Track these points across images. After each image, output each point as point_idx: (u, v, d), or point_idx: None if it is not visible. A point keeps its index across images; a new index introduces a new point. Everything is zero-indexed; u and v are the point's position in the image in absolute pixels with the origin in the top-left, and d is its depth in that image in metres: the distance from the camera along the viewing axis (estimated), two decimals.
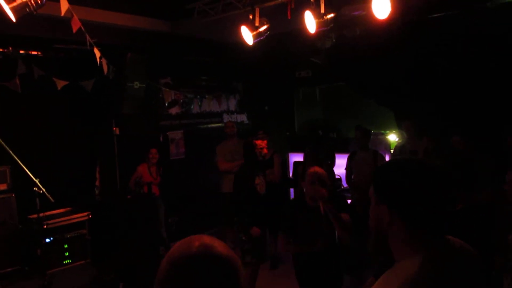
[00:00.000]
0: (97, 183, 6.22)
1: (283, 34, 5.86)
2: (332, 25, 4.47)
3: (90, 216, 5.77)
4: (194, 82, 7.55)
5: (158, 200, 6.29)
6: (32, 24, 4.76)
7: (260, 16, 4.82)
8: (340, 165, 6.37)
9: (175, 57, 6.75)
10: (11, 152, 4.57)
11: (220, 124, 7.73)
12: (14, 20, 3.65)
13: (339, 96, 8.37)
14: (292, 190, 7.99)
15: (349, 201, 6.35)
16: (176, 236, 6.18)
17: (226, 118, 7.98)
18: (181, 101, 7.17)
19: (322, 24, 4.43)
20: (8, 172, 5.25)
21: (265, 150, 5.35)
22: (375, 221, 1.31)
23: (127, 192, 5.99)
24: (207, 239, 1.07)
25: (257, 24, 4.82)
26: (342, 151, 6.79)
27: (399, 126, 6.75)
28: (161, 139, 7.02)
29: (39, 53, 5.73)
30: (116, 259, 5.42)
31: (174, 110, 7.20)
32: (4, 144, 4.55)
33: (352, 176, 5.69)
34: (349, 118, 7.97)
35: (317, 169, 3.42)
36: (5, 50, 5.42)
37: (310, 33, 4.54)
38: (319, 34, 5.06)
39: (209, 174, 6.76)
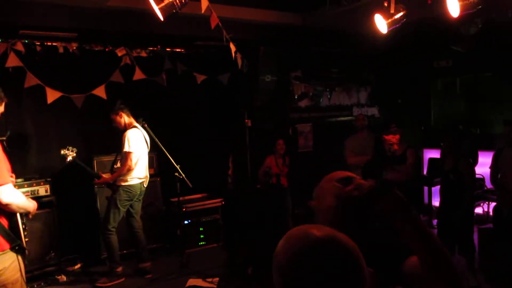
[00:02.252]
0: (230, 172, 6.59)
1: (421, 21, 5.46)
2: (480, 7, 4.03)
3: (223, 203, 6.15)
4: (324, 74, 7.48)
5: (286, 191, 6.40)
6: (176, 24, 5.20)
7: (396, 3, 4.56)
8: (483, 164, 5.77)
9: (305, 50, 6.77)
10: (157, 140, 5.07)
11: (349, 118, 7.56)
12: (162, 19, 4.02)
13: (484, 88, 7.56)
14: (426, 188, 7.48)
15: (493, 204, 5.74)
16: None
17: (356, 111, 7.76)
18: (311, 93, 7.18)
19: (467, 6, 4.01)
20: (155, 159, 5.85)
21: (395, 146, 5.11)
22: None
23: (257, 182, 6.22)
24: (326, 227, 1.03)
25: (392, 11, 4.56)
26: (486, 148, 6.15)
27: None
28: (290, 131, 7.12)
29: (182, 50, 6.25)
30: (245, 245, 5.67)
31: (303, 103, 7.24)
32: (152, 133, 5.07)
33: (499, 176, 5.09)
34: (494, 112, 7.17)
35: None
36: (155, 49, 6.03)
37: (452, 17, 4.15)
38: (462, 19, 4.61)
39: (337, 168, 6.64)
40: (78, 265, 5.34)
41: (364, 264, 0.99)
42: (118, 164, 5.14)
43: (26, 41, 5.15)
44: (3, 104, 3.09)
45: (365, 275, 0.98)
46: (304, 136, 7.28)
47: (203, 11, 4.12)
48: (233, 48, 4.84)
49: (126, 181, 4.94)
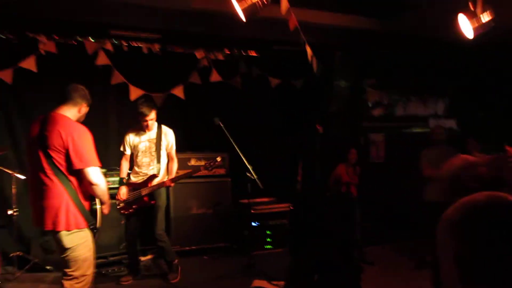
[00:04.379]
0: (299, 177, 6.53)
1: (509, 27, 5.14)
2: None
3: (291, 208, 6.10)
4: (400, 83, 7.25)
5: (356, 201, 6.24)
6: (252, 27, 5.28)
7: (483, 6, 4.31)
8: None
9: (382, 56, 6.61)
10: (232, 140, 5.07)
11: (425, 129, 7.24)
12: (244, 20, 4.11)
13: None
14: None
15: None
16: (370, 241, 6.05)
17: (432, 123, 7.43)
18: (385, 102, 6.98)
19: None
20: (227, 159, 5.94)
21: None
22: None
23: (326, 190, 6.12)
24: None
25: (479, 14, 4.33)
26: None
27: None
28: (361, 141, 6.96)
29: (257, 54, 6.35)
30: (312, 252, 5.56)
31: (377, 112, 7.06)
32: (227, 133, 5.09)
33: None
34: None
35: None
36: (231, 52, 6.18)
37: None
38: None
39: (409, 181, 6.39)
40: (150, 256, 5.52)
41: None
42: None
43: (115, 41, 5.50)
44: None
45: None
46: (376, 146, 7.08)
47: (283, 13, 4.15)
48: (309, 51, 4.82)
49: None
